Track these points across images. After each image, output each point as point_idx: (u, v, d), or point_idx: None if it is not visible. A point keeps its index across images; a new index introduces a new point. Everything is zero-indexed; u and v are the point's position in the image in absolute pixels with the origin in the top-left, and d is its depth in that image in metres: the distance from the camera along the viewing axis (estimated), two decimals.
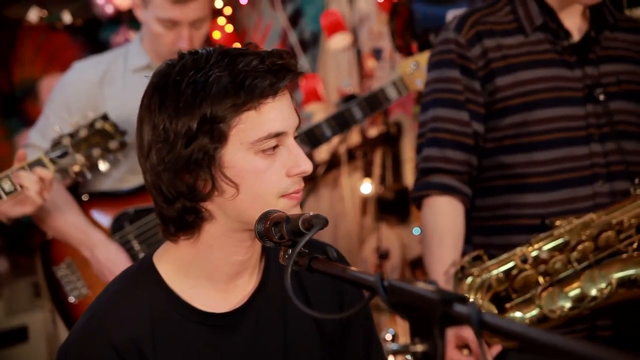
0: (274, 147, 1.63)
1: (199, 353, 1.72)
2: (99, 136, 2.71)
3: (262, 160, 1.62)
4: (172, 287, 1.73)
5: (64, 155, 2.65)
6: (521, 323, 0.92)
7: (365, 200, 4.66)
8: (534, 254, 2.42)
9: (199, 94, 1.57)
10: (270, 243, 1.60)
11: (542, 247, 2.43)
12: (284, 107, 1.64)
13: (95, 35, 4.99)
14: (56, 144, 2.67)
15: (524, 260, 2.42)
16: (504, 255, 2.45)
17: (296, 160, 1.64)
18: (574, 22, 2.61)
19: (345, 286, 1.90)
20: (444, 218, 2.59)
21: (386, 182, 4.59)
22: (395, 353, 1.12)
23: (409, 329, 1.14)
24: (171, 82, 1.61)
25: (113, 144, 2.73)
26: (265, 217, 1.60)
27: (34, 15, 4.59)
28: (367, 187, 4.54)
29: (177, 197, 1.65)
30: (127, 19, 4.73)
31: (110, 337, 1.66)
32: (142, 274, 1.76)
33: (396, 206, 4.48)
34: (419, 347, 1.10)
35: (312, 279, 1.84)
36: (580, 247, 2.43)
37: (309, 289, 1.87)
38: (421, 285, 1.12)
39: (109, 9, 4.68)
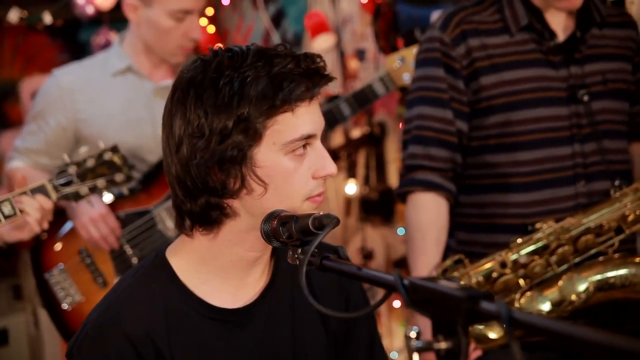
0: (305, 146, 1.66)
1: (211, 347, 1.74)
2: (105, 167, 2.70)
3: (292, 162, 1.65)
4: (184, 282, 1.75)
5: (68, 183, 2.64)
6: (551, 318, 0.93)
7: (349, 201, 4.67)
8: (513, 257, 2.45)
9: (237, 93, 1.59)
10: (277, 243, 1.61)
11: (521, 251, 2.46)
12: (316, 110, 1.68)
13: (74, 36, 4.96)
14: (61, 171, 2.65)
15: (503, 265, 2.45)
16: (484, 259, 2.48)
17: (323, 162, 1.68)
18: (560, 22, 2.63)
19: (351, 286, 1.93)
20: (427, 214, 2.62)
21: (370, 183, 4.60)
22: (419, 350, 1.13)
23: (431, 326, 1.15)
24: (208, 78, 1.63)
25: (119, 177, 2.72)
26: (271, 216, 1.61)
27: (14, 15, 4.54)
28: (351, 188, 4.56)
29: (201, 193, 1.66)
30: (107, 20, 4.70)
31: (125, 329, 1.68)
32: (156, 268, 1.78)
33: (380, 206, 4.50)
34: (443, 345, 1.12)
35: (319, 278, 1.86)
36: (559, 250, 2.46)
37: (316, 288, 1.89)
38: (444, 283, 1.13)
39: (90, 10, 4.65)
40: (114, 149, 2.74)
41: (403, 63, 3.34)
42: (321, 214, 1.52)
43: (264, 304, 1.80)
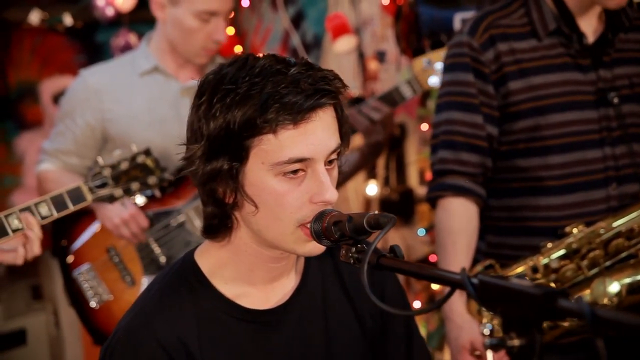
0: (297, 171, 1.61)
1: (243, 349, 1.74)
2: (139, 170, 2.72)
3: (282, 184, 1.61)
4: (214, 284, 1.75)
5: (103, 185, 2.65)
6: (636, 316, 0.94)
7: (368, 202, 4.68)
8: (544, 262, 2.46)
9: (231, 104, 1.58)
10: (327, 242, 1.61)
11: (552, 255, 2.47)
12: (313, 131, 1.60)
13: (91, 37, 4.98)
14: (96, 174, 2.67)
15: (535, 270, 2.46)
16: (515, 264, 2.49)
17: (320, 188, 1.61)
18: (590, 24, 2.63)
19: (386, 280, 1.92)
20: (458, 219, 2.63)
21: (390, 184, 4.62)
22: (492, 347, 1.14)
23: (502, 324, 1.16)
24: (212, 86, 1.63)
25: (152, 180, 2.74)
26: (321, 216, 1.61)
27: (35, 17, 4.56)
28: (372, 189, 4.57)
29: (208, 200, 1.68)
30: (127, 21, 4.72)
31: (157, 334, 1.68)
32: (185, 270, 1.78)
33: (400, 207, 4.51)
34: (516, 342, 1.13)
35: (352, 274, 1.86)
36: (590, 254, 2.47)
37: (348, 284, 1.88)
38: (516, 281, 1.14)
39: (110, 11, 4.66)
40: (147, 152, 2.77)
41: (430, 66, 3.35)
42: (376, 213, 1.53)
43: (296, 304, 1.80)
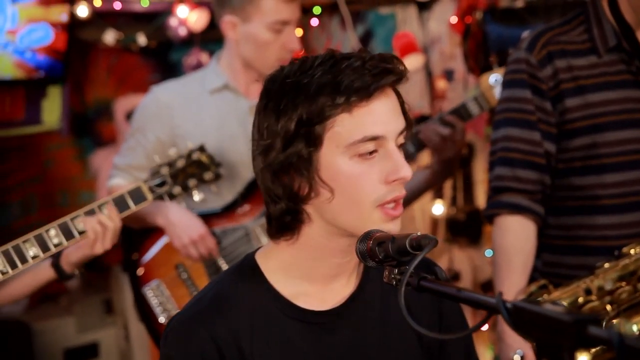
0: (372, 152, 1.63)
1: (295, 349, 1.74)
2: (195, 167, 2.78)
3: (358, 165, 1.62)
4: (272, 284, 1.76)
5: (162, 184, 2.71)
6: None
7: (435, 222, 4.65)
8: (598, 284, 2.40)
9: (299, 95, 1.61)
10: (372, 262, 1.61)
11: (607, 277, 2.41)
12: (384, 110, 1.62)
13: (165, 56, 5.08)
14: (155, 172, 2.73)
15: (588, 292, 2.40)
16: (569, 286, 2.44)
17: (395, 165, 1.63)
18: None
19: (444, 302, 1.90)
20: (514, 237, 2.60)
21: (457, 204, 4.58)
22: None
23: (534, 350, 1.14)
24: (277, 85, 1.66)
25: (208, 175, 2.79)
26: (367, 236, 1.61)
27: (110, 37, 4.68)
28: (438, 208, 4.54)
29: (279, 198, 1.69)
30: (198, 40, 4.80)
31: (209, 326, 1.70)
32: (245, 269, 1.80)
33: (468, 228, 4.47)
34: None
35: (412, 292, 1.85)
36: None
37: (408, 299, 1.87)
38: (549, 306, 1.12)
39: (182, 31, 4.75)
40: (202, 149, 2.83)
41: (498, 82, 3.31)
42: (419, 234, 1.51)
43: (352, 310, 1.79)
